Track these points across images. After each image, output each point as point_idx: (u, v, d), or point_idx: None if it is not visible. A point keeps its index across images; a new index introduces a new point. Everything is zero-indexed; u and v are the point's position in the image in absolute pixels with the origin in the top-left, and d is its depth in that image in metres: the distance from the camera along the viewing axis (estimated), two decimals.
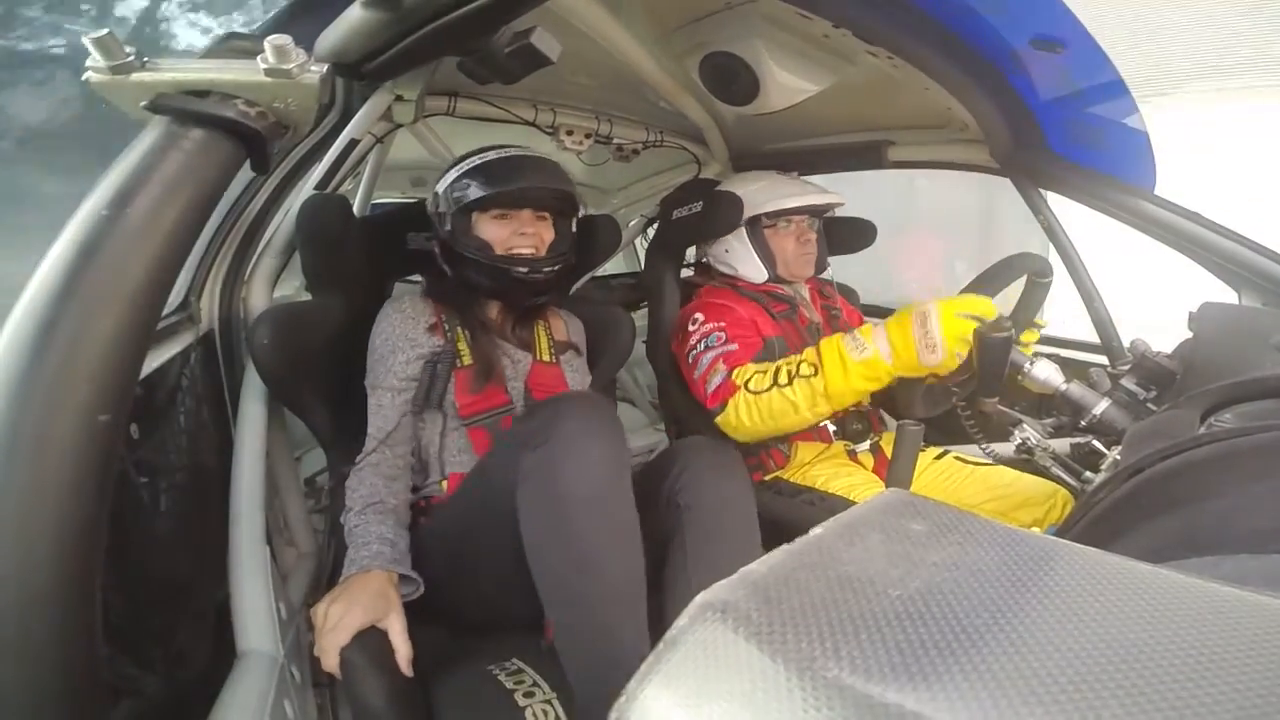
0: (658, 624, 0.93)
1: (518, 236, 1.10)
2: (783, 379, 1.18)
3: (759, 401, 1.20)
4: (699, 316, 1.40)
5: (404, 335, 1.07)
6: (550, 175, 1.12)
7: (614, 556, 0.80)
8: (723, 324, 1.35)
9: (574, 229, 1.20)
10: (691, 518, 0.94)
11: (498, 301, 1.17)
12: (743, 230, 1.44)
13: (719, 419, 1.27)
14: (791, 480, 1.37)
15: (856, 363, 1.11)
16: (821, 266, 1.54)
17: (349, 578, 0.87)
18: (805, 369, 1.16)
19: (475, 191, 1.08)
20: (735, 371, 1.26)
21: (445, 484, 1.06)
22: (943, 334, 1.05)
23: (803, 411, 1.18)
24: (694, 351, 1.36)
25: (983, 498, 1.28)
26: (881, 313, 1.97)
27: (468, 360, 1.09)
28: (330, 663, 0.79)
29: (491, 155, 1.11)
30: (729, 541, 0.94)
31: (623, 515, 0.82)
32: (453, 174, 1.12)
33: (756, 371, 1.23)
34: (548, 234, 1.13)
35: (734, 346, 1.31)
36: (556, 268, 1.14)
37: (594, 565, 0.78)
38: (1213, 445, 0.51)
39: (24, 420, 0.37)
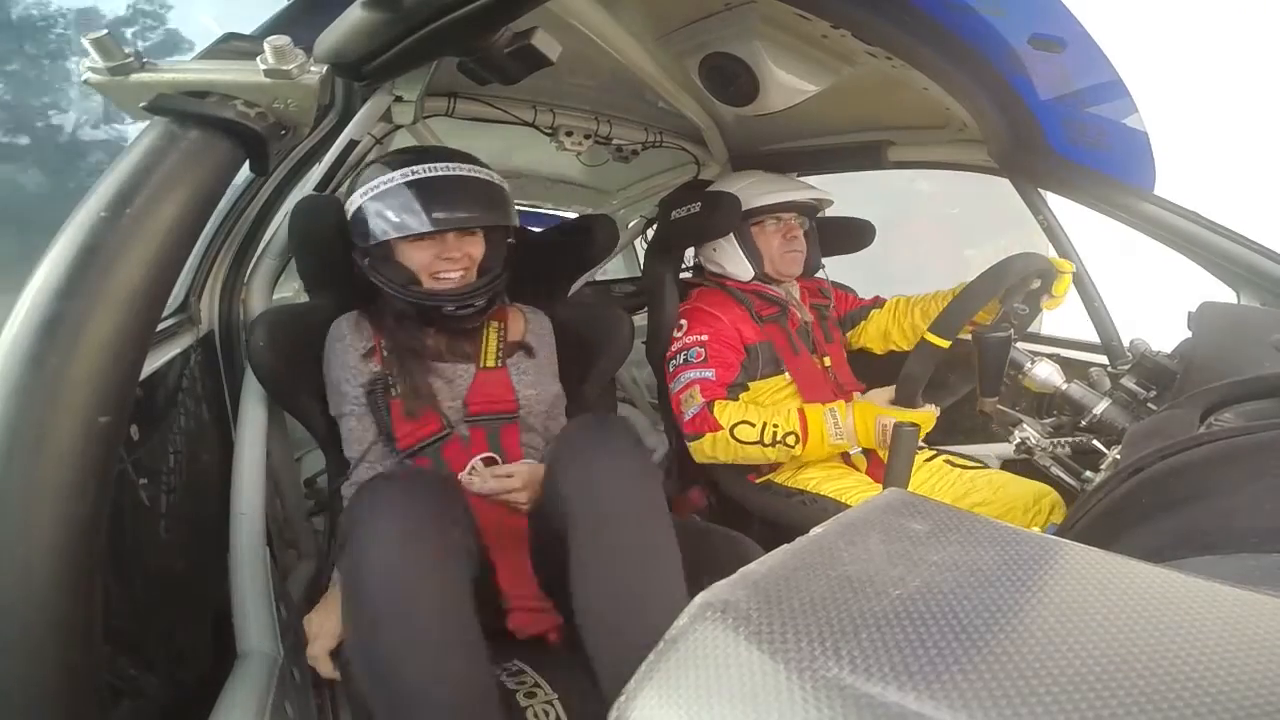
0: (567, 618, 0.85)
1: (442, 260, 1.00)
2: (767, 439, 1.26)
3: (741, 450, 1.28)
4: (684, 324, 1.42)
5: (344, 364, 1.03)
6: (473, 204, 1.01)
7: None
8: (704, 338, 1.37)
9: (510, 238, 1.10)
10: (575, 514, 0.82)
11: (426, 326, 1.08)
12: None
13: (692, 444, 1.33)
14: (784, 483, 1.38)
15: (834, 443, 1.24)
16: (813, 266, 1.54)
17: (335, 588, 0.87)
18: (790, 440, 1.25)
19: (385, 228, 0.98)
20: (716, 407, 1.30)
21: None
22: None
23: (773, 462, 1.31)
24: (674, 362, 1.40)
25: (969, 502, 1.28)
26: None
27: (402, 388, 1.03)
28: (325, 669, 0.79)
29: (404, 176, 0.98)
30: (620, 521, 0.81)
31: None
32: (359, 196, 1.00)
33: (744, 421, 1.27)
34: (477, 251, 1.04)
35: (710, 374, 1.34)
36: (487, 296, 1.05)
37: None
38: (1213, 444, 0.51)
39: (24, 421, 0.37)
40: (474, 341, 1.12)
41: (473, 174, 1.03)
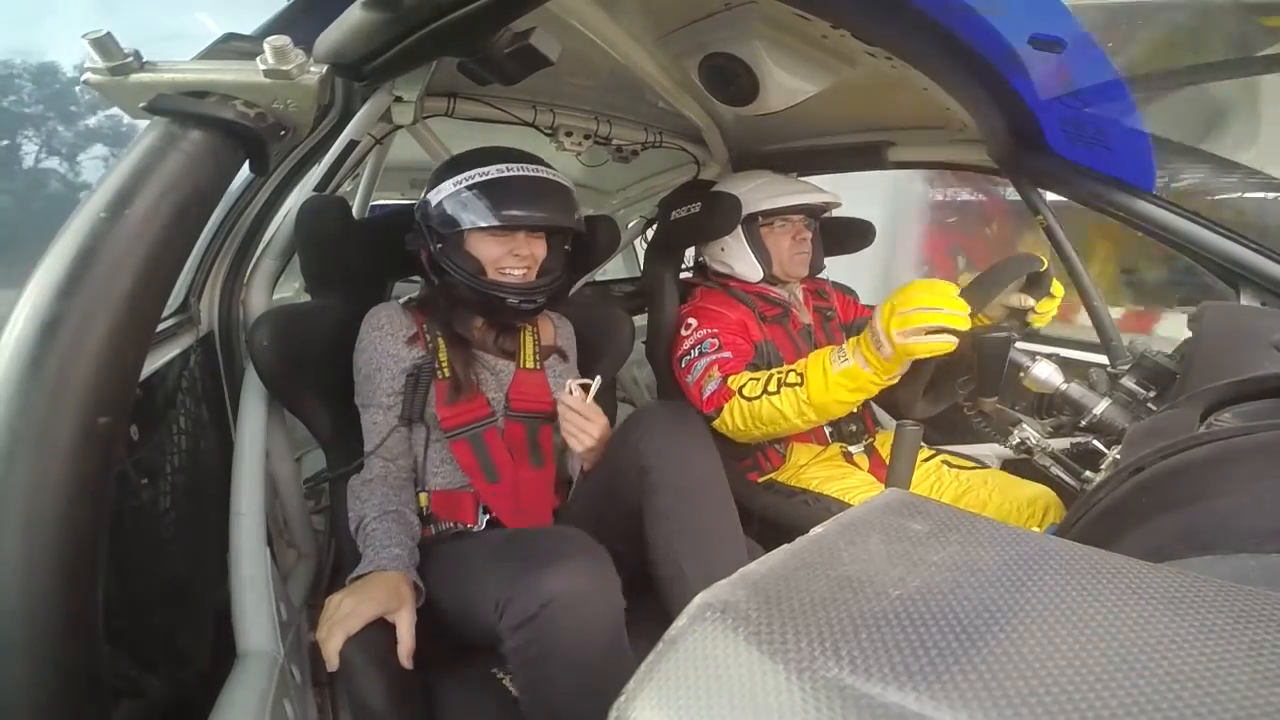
0: (636, 592, 0.89)
1: (511, 257, 1.06)
2: (772, 387, 1.20)
3: (751, 408, 1.22)
4: (692, 322, 1.41)
5: (385, 352, 1.05)
6: (560, 205, 1.07)
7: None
8: (715, 330, 1.37)
9: (568, 244, 1.16)
10: (658, 481, 0.92)
11: (478, 316, 1.14)
12: (739, 229, 1.44)
13: (714, 423, 1.29)
14: (786, 482, 1.37)
15: (836, 373, 1.13)
16: (817, 268, 1.54)
17: (366, 576, 0.87)
18: (792, 378, 1.18)
19: (478, 216, 1.03)
20: (731, 378, 1.28)
21: (426, 498, 1.05)
22: (882, 326, 1.05)
23: (791, 420, 1.19)
24: (687, 358, 1.38)
25: (964, 504, 1.28)
26: None
27: (448, 372, 1.07)
28: (332, 647, 0.79)
29: (493, 173, 1.04)
30: (699, 502, 0.93)
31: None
32: (450, 185, 1.05)
33: (751, 379, 1.25)
34: (541, 251, 1.09)
35: (728, 354, 1.33)
36: (548, 294, 1.11)
37: None
38: (1212, 444, 0.51)
39: (24, 422, 0.37)
40: (514, 340, 1.16)
41: (554, 178, 1.09)
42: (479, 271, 1.06)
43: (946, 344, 1.03)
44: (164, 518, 0.83)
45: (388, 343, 1.05)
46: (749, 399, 1.23)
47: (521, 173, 1.06)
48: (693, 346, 1.37)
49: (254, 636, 0.84)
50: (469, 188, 1.03)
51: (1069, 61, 1.00)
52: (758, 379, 1.24)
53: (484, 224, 1.03)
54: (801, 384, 1.16)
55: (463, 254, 1.06)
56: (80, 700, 0.40)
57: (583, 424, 1.03)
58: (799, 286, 1.55)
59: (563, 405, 1.04)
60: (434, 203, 1.06)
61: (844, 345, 1.16)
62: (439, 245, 1.07)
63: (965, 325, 1.04)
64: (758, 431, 1.25)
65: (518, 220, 1.04)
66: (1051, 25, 0.92)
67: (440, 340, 1.08)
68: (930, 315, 1.02)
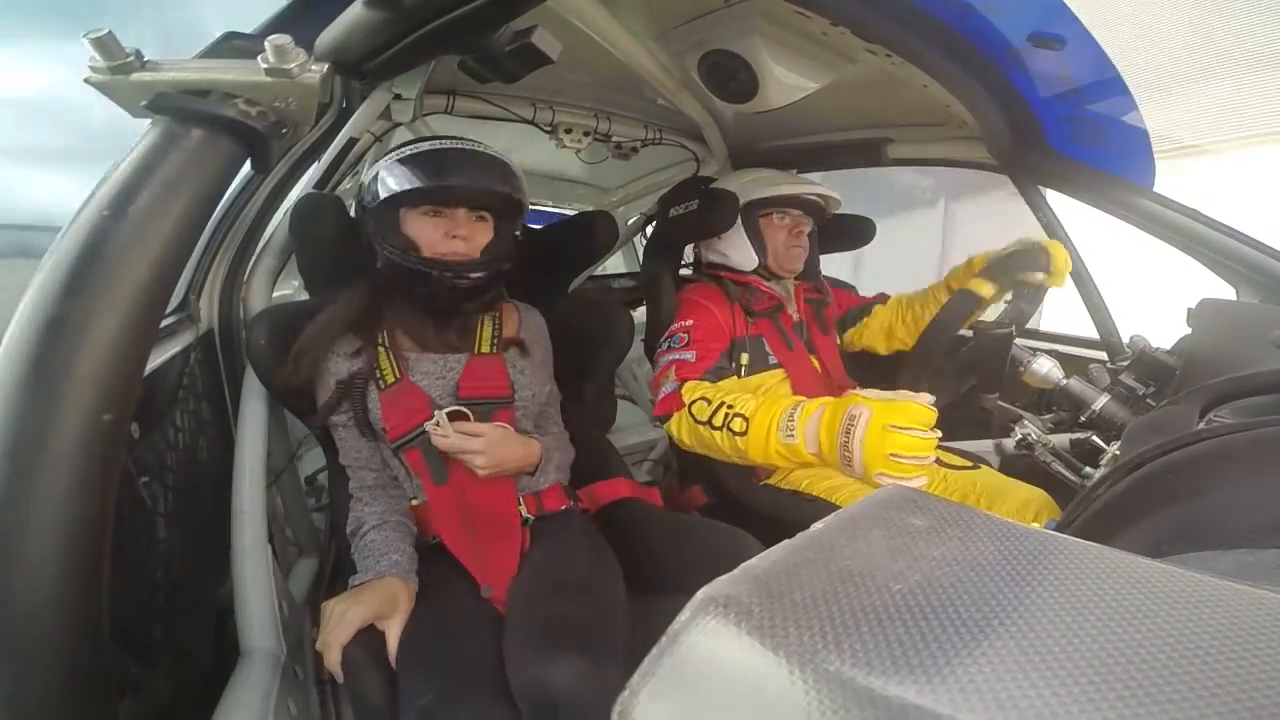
0: None
1: (449, 239, 0.99)
2: (717, 420, 1.14)
3: (697, 430, 1.18)
4: (677, 314, 1.41)
5: (326, 370, 1.02)
6: (488, 173, 1.01)
7: None
8: (690, 323, 1.35)
9: (518, 231, 1.09)
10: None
11: (419, 309, 1.06)
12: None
13: (665, 426, 1.28)
14: (778, 484, 1.38)
15: (779, 442, 1.04)
16: (813, 270, 1.54)
17: (364, 583, 0.88)
18: (737, 423, 1.10)
19: (400, 184, 0.97)
20: (685, 387, 1.25)
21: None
22: (863, 451, 0.89)
23: (731, 457, 1.15)
24: (660, 348, 1.38)
25: None
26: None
27: (390, 379, 1.01)
28: (332, 658, 0.79)
29: (425, 146, 1.00)
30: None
31: None
32: (380, 164, 1.01)
33: (703, 398, 1.20)
34: (483, 236, 1.03)
35: (690, 355, 1.31)
36: (485, 274, 1.03)
37: None
38: (1211, 440, 0.51)
39: (29, 419, 0.37)
40: (466, 334, 1.09)
41: (495, 153, 1.04)
42: (412, 248, 1.00)
43: (920, 471, 0.88)
44: (165, 516, 0.83)
45: (329, 360, 1.02)
46: (696, 420, 1.18)
47: (451, 144, 1.01)
48: (667, 338, 1.37)
49: (256, 634, 0.85)
50: (396, 163, 0.99)
51: (1069, 59, 1.00)
52: (709, 401, 1.18)
53: (409, 187, 0.97)
54: (744, 434, 1.08)
55: (397, 235, 1.00)
56: (86, 698, 0.40)
57: (466, 456, 0.97)
58: (791, 282, 1.55)
59: (437, 445, 0.98)
60: (365, 182, 1.02)
61: (798, 410, 1.03)
62: (372, 228, 1.02)
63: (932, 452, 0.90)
64: (704, 451, 1.21)
65: (451, 187, 0.98)
66: (1051, 23, 0.92)
67: (381, 349, 1.03)
68: (919, 444, 0.88)
